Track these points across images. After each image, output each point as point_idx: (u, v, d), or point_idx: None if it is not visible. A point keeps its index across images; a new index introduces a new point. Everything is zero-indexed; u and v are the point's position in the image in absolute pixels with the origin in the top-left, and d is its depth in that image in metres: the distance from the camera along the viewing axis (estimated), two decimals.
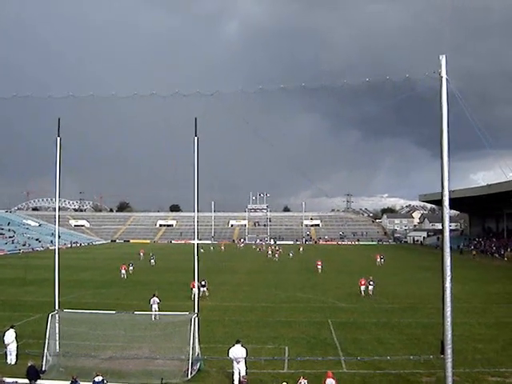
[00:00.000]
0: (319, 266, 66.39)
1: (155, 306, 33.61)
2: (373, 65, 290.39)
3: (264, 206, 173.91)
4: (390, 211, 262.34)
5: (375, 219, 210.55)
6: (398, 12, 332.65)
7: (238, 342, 22.49)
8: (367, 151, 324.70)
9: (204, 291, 44.05)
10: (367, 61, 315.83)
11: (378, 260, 77.87)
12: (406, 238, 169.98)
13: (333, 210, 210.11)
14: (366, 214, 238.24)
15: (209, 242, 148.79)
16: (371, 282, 47.09)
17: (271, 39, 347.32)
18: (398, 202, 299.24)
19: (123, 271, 61.03)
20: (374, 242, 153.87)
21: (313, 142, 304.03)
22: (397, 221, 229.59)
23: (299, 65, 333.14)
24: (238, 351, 21.94)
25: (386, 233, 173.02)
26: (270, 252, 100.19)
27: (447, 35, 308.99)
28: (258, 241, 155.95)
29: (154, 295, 34.72)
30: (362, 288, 46.21)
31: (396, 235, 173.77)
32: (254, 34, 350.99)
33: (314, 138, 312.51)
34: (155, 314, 31.00)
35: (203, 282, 43.88)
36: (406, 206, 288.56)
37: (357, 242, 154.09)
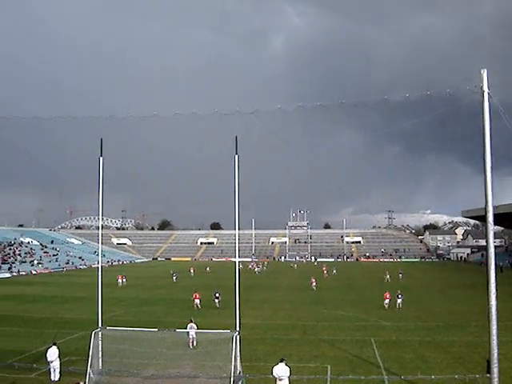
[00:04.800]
0: (313, 284, 66.27)
1: (192, 333, 30.35)
2: (418, 78, 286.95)
3: (304, 223, 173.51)
4: (432, 227, 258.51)
5: (417, 236, 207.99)
6: (445, 25, 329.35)
7: (281, 360, 22.26)
8: (410, 167, 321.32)
9: (217, 302, 48.66)
10: (413, 74, 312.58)
11: (388, 276, 77.62)
12: (449, 254, 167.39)
13: (374, 227, 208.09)
14: (407, 231, 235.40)
15: (249, 259, 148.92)
16: (399, 296, 47.92)
17: (315, 54, 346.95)
18: (441, 219, 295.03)
19: (120, 280, 71.93)
20: (416, 259, 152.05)
21: (354, 158, 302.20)
22: (439, 237, 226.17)
23: (343, 79, 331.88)
24: (281, 370, 21.76)
25: (428, 249, 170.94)
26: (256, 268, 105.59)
27: (494, 47, 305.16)
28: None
29: (190, 321, 31.94)
30: (386, 301, 47.26)
31: (439, 252, 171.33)
32: (298, 49, 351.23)
33: (356, 155, 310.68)
34: (192, 342, 29.98)
35: (217, 294, 49.11)
36: (449, 223, 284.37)
37: (399, 259, 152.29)
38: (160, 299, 55.41)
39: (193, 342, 29.93)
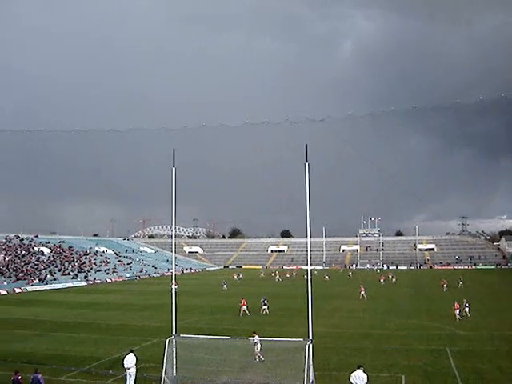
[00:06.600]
0: (362, 292, 64.87)
1: (258, 346, 28.49)
2: (493, 80, 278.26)
3: (376, 230, 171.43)
4: (508, 233, 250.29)
5: (493, 242, 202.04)
6: None
7: (359, 366, 22.06)
8: (484, 171, 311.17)
9: (265, 309, 50.48)
10: (487, 76, 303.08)
11: (445, 286, 74.60)
12: None
13: (448, 234, 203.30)
14: (482, 237, 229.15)
15: (320, 267, 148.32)
16: (467, 304, 47.29)
17: (385, 58, 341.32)
18: None
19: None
20: (492, 266, 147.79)
21: (426, 162, 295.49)
22: None
23: (414, 83, 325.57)
24: (359, 376, 21.55)
25: (504, 256, 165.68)
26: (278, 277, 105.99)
27: None
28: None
29: (253, 333, 29.53)
30: (457, 312, 45.77)
31: None
32: (367, 53, 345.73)
33: (428, 159, 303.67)
34: (259, 355, 28.48)
35: (265, 301, 51.08)
36: None
37: (473, 267, 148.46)
38: (231, 307, 55.53)
39: (259, 356, 28.52)
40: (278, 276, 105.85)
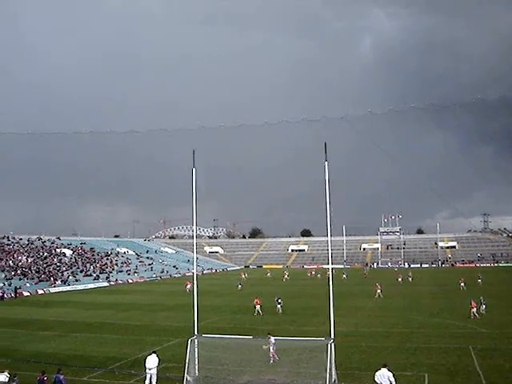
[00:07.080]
0: (378, 291, 64.46)
1: (271, 347, 27.71)
2: None
3: (397, 228, 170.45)
4: None
5: None
6: None
7: (384, 365, 21.94)
8: (506, 168, 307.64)
9: (279, 308, 50.50)
10: (508, 73, 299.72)
11: (462, 284, 72.63)
12: None
13: (469, 231, 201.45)
14: (504, 234, 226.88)
15: (341, 266, 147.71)
16: (484, 302, 47.53)
17: (404, 55, 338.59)
18: None
19: (189, 286, 73.88)
20: None
21: (447, 160, 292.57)
22: None
23: (435, 80, 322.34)
24: (384, 375, 21.43)
25: None
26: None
27: None
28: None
29: (268, 334, 28.70)
30: (474, 310, 45.25)
31: None
32: (387, 50, 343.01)
33: (449, 156, 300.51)
34: (273, 356, 27.93)
35: (279, 300, 51.31)
36: None
37: (496, 264, 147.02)
38: (250, 307, 55.19)
39: (274, 356, 28.06)
40: (286, 275, 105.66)
